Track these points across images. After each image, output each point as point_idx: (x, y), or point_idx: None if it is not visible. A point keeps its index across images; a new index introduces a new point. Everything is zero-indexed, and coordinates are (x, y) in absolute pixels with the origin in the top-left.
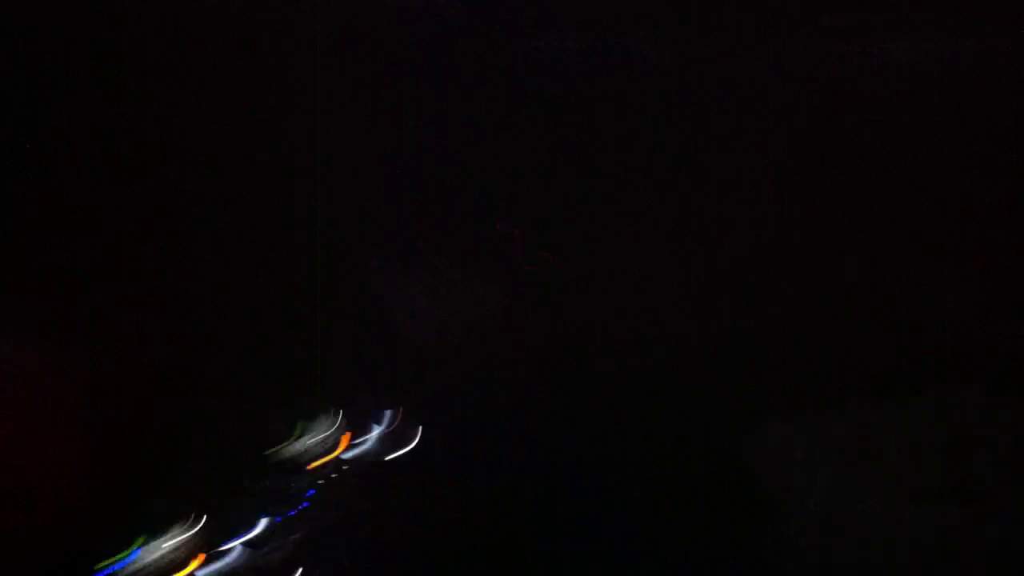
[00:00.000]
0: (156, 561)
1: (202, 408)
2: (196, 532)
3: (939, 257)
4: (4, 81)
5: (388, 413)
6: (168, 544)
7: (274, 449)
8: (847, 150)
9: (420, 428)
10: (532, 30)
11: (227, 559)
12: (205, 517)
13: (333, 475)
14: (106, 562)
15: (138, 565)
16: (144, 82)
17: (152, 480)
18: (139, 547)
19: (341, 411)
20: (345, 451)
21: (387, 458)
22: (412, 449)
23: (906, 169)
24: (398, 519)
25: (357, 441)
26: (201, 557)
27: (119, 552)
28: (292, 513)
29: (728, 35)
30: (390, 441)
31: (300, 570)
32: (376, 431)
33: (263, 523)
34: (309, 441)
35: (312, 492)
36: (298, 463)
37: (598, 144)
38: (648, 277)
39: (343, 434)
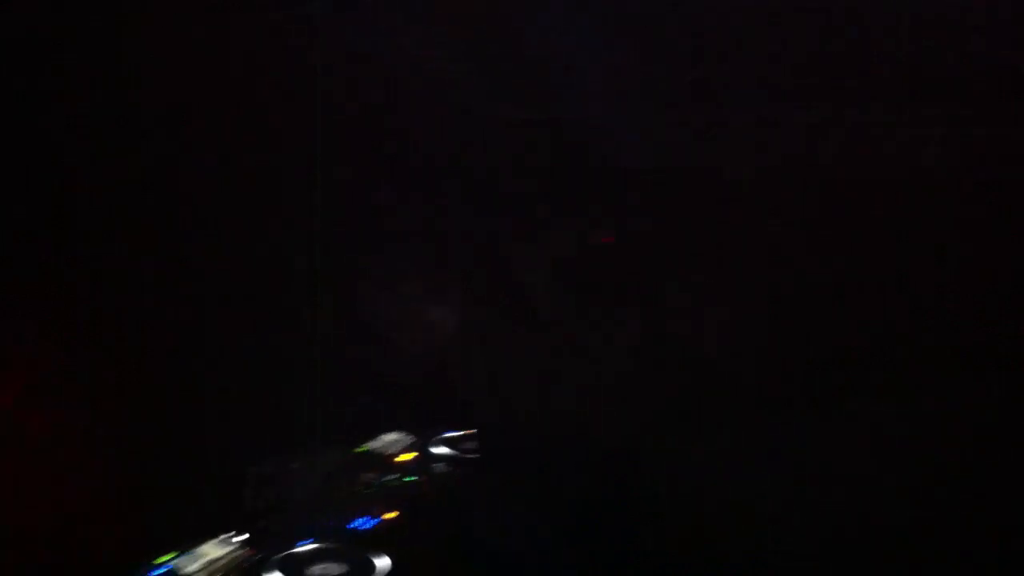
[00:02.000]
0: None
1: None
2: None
3: (939, 257)
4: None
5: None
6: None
7: (361, 447)
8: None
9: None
10: None
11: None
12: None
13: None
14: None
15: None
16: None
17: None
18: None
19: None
20: (430, 445)
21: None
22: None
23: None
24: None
25: (440, 437)
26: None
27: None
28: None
29: None
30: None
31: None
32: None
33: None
34: (393, 435)
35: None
36: (383, 457)
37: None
38: (647, 278)
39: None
